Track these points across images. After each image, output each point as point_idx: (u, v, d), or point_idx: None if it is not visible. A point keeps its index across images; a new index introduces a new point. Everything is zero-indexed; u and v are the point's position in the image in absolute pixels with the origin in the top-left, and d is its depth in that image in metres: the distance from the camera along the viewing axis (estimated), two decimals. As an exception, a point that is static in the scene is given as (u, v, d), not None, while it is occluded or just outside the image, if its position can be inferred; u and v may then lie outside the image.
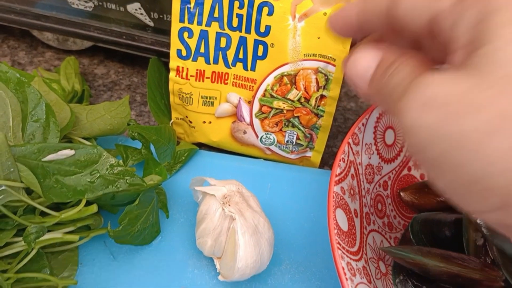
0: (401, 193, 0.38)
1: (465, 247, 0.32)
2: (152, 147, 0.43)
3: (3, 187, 0.31)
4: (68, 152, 0.34)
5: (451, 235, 0.34)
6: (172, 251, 0.38)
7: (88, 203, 0.35)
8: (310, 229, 0.40)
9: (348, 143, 0.34)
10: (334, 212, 0.30)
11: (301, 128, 0.42)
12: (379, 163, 0.36)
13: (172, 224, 0.40)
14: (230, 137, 0.45)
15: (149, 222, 0.38)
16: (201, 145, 0.46)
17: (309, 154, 0.45)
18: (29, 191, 0.34)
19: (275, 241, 0.37)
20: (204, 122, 0.44)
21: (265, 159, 0.46)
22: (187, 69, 0.41)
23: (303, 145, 0.44)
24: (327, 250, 0.39)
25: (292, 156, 0.45)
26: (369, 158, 0.36)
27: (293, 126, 0.42)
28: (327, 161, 0.48)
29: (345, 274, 0.27)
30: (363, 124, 0.35)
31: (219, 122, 0.44)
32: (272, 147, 0.44)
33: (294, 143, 0.43)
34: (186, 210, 0.41)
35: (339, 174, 0.32)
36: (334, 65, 0.39)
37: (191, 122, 0.44)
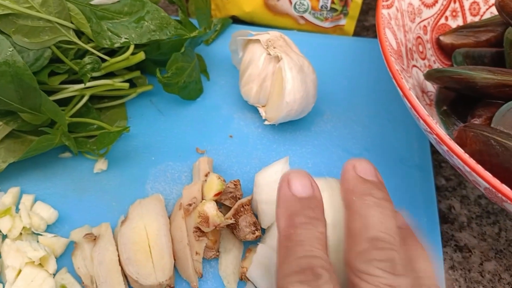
0: (440, 37, 0.38)
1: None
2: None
3: (54, 25, 0.32)
4: (113, -3, 0.34)
5: (493, 64, 0.34)
6: (217, 106, 0.39)
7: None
8: (348, 86, 0.41)
9: (392, -26, 0.34)
10: (384, 30, 0.31)
11: (336, -11, 0.42)
12: (419, 5, 0.37)
13: (213, 86, 0.41)
14: (263, 7, 0.45)
15: (193, 78, 0.38)
16: (233, 21, 0.46)
17: (342, 22, 0.45)
18: (78, 37, 0.34)
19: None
20: (237, -9, 0.44)
21: (298, 30, 0.46)
22: None
23: (337, 10, 0.44)
24: (367, 102, 0.40)
25: (326, 24, 0.45)
26: (410, -3, 0.36)
27: (328, -13, 0.42)
28: (358, 33, 0.48)
29: (399, 74, 0.28)
30: (404, -39, 0.35)
31: (252, -10, 0.44)
32: (306, 15, 0.44)
33: (328, 8, 0.44)
34: (225, 74, 0.42)
35: (386, 0, 0.32)
36: None
37: (224, -8, 0.44)
